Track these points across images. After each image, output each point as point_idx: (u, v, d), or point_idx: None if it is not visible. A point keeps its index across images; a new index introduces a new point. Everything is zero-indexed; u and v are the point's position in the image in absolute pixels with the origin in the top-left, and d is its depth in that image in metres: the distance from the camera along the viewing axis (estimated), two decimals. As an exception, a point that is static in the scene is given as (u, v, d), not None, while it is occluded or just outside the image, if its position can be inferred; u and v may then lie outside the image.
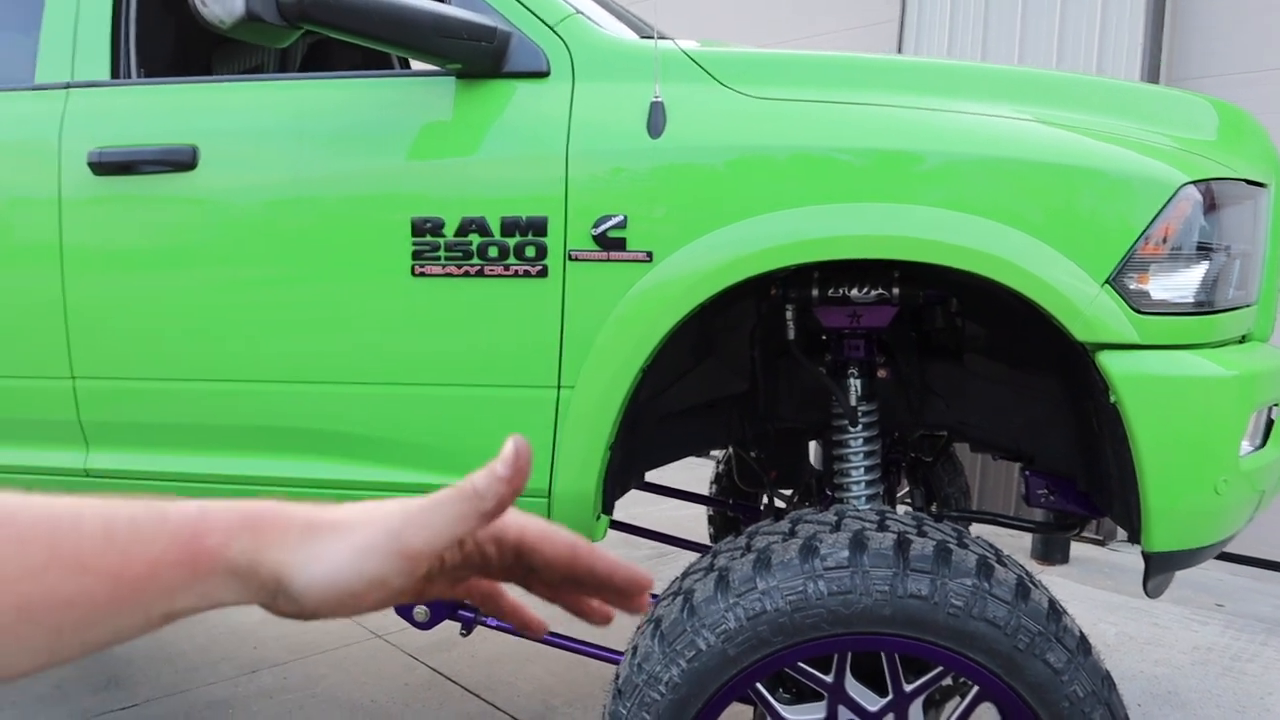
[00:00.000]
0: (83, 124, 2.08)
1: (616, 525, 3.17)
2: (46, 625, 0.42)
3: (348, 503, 0.53)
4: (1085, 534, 4.93)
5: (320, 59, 3.26)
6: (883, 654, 1.76)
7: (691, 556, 3.09)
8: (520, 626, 0.65)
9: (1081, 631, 1.70)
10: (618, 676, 1.79)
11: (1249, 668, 3.54)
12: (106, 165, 2.02)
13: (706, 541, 3.44)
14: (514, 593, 0.66)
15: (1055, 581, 4.39)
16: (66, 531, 0.43)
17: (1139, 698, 3.25)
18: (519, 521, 0.58)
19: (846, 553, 1.66)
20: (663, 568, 4.49)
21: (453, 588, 0.60)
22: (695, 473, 4.36)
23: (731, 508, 3.50)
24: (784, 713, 1.81)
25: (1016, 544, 4.93)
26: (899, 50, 5.58)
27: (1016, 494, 5.21)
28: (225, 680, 3.30)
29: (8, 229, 2.11)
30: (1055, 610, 1.67)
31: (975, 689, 1.72)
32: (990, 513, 2.74)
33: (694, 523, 4.26)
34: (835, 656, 1.77)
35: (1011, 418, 2.25)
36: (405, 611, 2.35)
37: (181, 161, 1.98)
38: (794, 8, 6.44)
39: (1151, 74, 4.79)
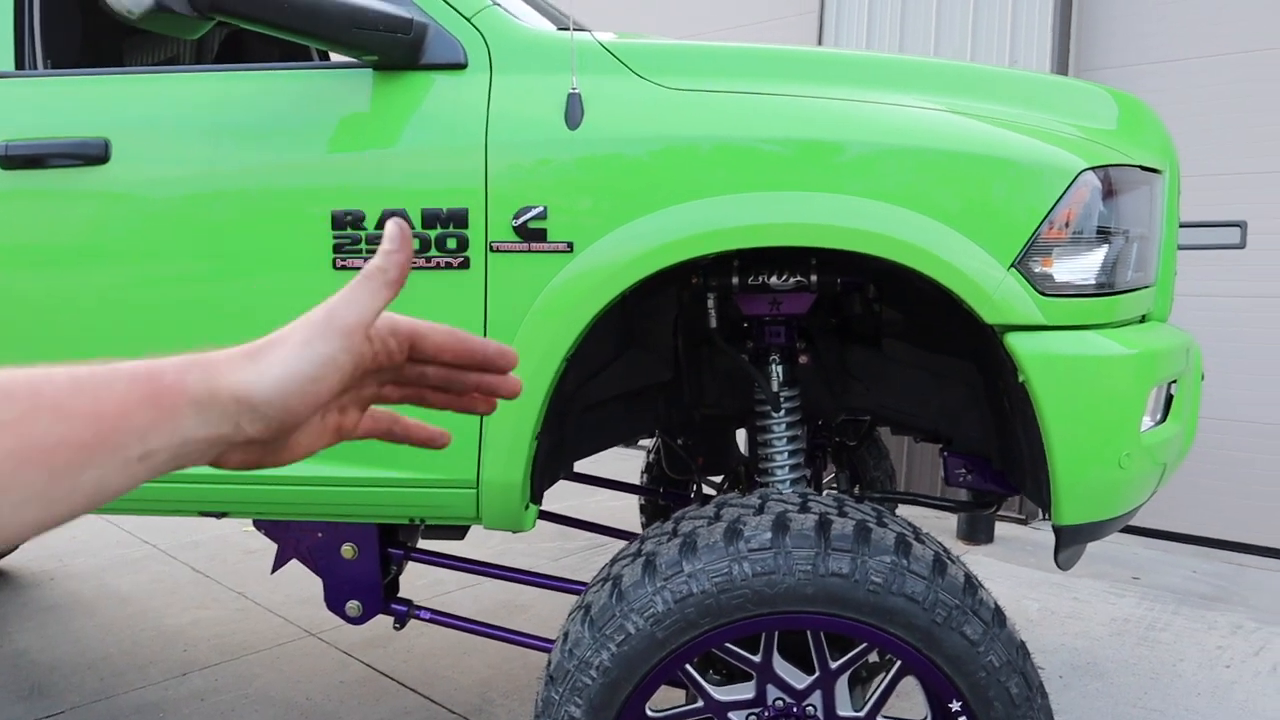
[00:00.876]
0: (-11, 117, 2.03)
1: (550, 516, 3.18)
2: (40, 468, 0.45)
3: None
4: (1008, 514, 5.07)
5: (236, 50, 3.21)
6: (808, 632, 1.80)
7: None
8: (425, 440, 0.70)
9: (997, 603, 1.76)
10: (550, 663, 1.81)
11: (1162, 636, 3.68)
12: (14, 159, 1.98)
13: (638, 531, 3.47)
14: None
15: (980, 560, 4.51)
16: (42, 383, 0.47)
17: (1060, 669, 3.36)
18: (407, 319, 0.65)
19: (769, 534, 1.70)
20: (598, 559, 4.52)
21: (379, 390, 0.66)
22: (628, 464, 4.39)
23: (662, 496, 3.54)
24: (714, 693, 1.85)
25: (942, 525, 5.05)
26: (819, 43, 5.66)
27: (942, 477, 5.33)
28: (154, 684, 3.25)
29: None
30: (971, 584, 1.73)
31: (898, 663, 1.78)
32: (911, 493, 2.81)
33: (628, 513, 4.30)
34: (762, 636, 1.81)
35: (929, 400, 2.31)
36: (338, 607, 2.35)
37: (93, 155, 1.94)
38: (712, 2, 6.49)
39: (1060, 65, 4.93)
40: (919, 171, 1.76)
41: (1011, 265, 1.73)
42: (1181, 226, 2.49)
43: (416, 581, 4.05)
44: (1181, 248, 2.39)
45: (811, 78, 1.88)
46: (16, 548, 4.43)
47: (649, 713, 1.81)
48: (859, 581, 1.66)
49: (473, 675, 3.29)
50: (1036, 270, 1.74)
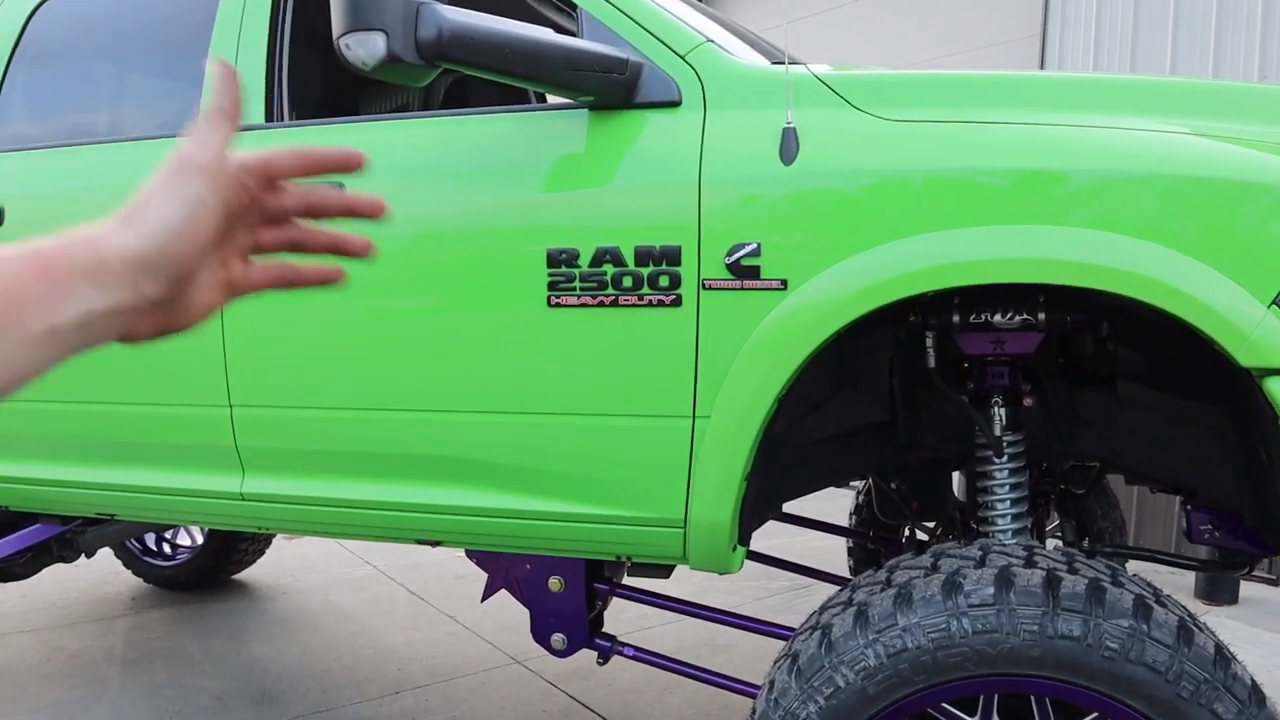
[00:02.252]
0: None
1: (755, 556, 3.13)
2: (9, 306, 0.50)
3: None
4: (1255, 573, 4.62)
5: (461, 96, 3.36)
6: (1032, 698, 1.68)
7: (830, 589, 3.02)
8: (320, 279, 0.74)
9: (1254, 680, 1.58)
10: (754, 711, 1.76)
11: None
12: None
13: (846, 574, 3.36)
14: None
15: (1222, 623, 4.12)
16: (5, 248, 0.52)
17: (1320, 751, 3.01)
18: (253, 153, 0.67)
19: (992, 589, 1.59)
20: (801, 600, 4.42)
21: (255, 237, 0.68)
22: (835, 503, 4.28)
23: (872, 540, 3.41)
24: (927, 754, 1.75)
25: (1179, 582, 4.67)
26: (1041, 66, 5.41)
27: (1178, 528, 4.92)
28: (370, 700, 3.39)
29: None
30: (1223, 656, 1.56)
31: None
32: (1148, 549, 2.59)
33: (833, 555, 4.18)
34: (981, 698, 1.70)
35: (1170, 448, 2.12)
36: (543, 639, 2.38)
37: (330, 199, 2.06)
38: (927, 28, 6.32)
39: (1322, 82, 4.51)
40: (1158, 199, 1.62)
41: (1273, 302, 1.57)
42: None
43: (620, 616, 4.07)
44: None
45: (1034, 103, 1.78)
46: (258, 557, 4.77)
47: (858, 770, 1.73)
48: (1092, 646, 1.53)
49: (672, 713, 3.26)
50: (1301, 308, 1.57)
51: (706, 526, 1.88)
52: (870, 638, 1.63)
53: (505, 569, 2.41)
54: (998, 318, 1.91)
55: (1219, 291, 1.58)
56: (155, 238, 0.58)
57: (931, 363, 2.01)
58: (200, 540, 4.64)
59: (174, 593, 4.64)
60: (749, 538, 1.98)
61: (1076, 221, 1.64)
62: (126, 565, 4.70)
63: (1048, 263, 1.62)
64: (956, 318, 1.92)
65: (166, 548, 4.67)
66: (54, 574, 4.59)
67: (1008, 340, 1.99)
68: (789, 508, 3.31)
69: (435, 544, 2.24)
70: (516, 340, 1.93)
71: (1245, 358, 1.58)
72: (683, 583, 4.54)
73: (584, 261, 1.86)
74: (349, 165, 0.69)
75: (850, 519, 3.60)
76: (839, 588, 1.94)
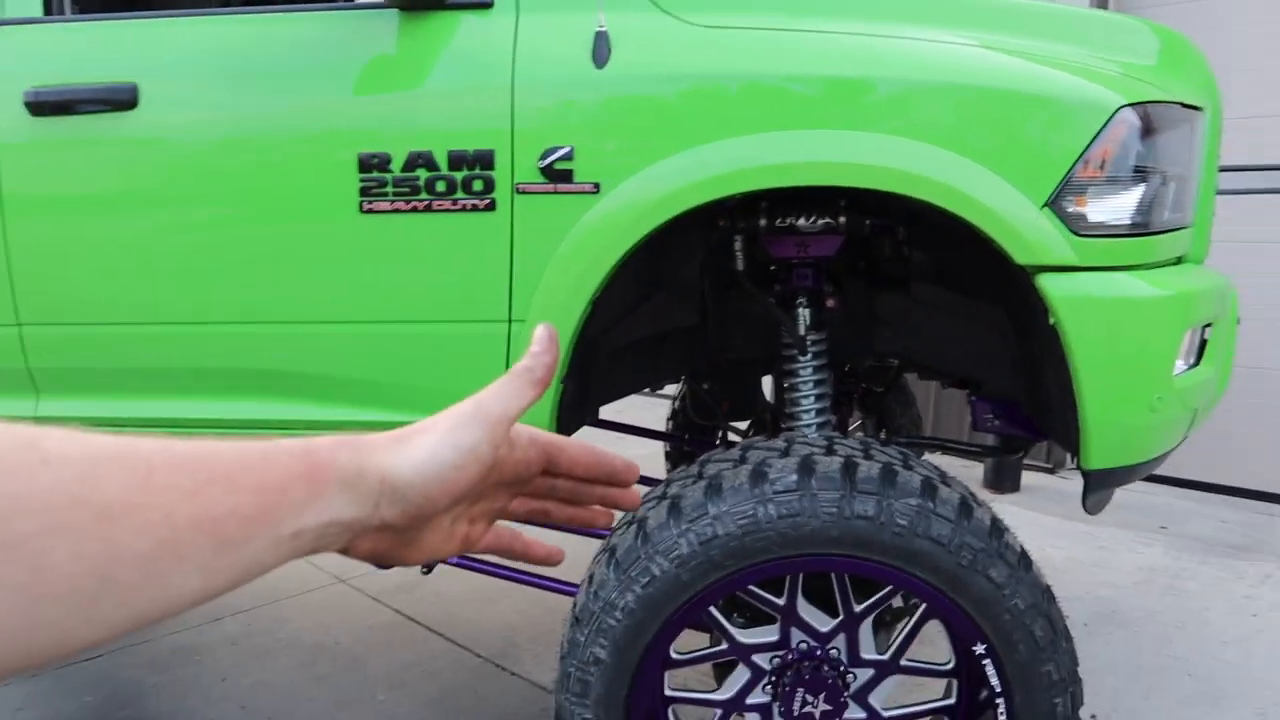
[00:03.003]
0: (16, 63, 2.03)
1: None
2: (210, 537, 0.46)
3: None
4: (1035, 463, 5.04)
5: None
6: (832, 575, 1.81)
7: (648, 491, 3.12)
8: (542, 558, 0.71)
9: (1022, 547, 1.75)
10: (575, 605, 1.83)
11: (1189, 586, 3.67)
12: (44, 105, 1.98)
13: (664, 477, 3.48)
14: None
15: (1006, 509, 4.49)
16: (213, 457, 0.47)
17: (1085, 618, 3.36)
18: (546, 433, 0.67)
19: (795, 477, 1.69)
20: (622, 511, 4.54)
21: (508, 503, 0.68)
22: (656, 413, 4.39)
23: (688, 443, 3.54)
24: (738, 636, 1.86)
25: (969, 474, 5.03)
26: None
27: (969, 423, 5.30)
28: (190, 628, 3.31)
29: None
30: (997, 527, 1.72)
31: (923, 606, 1.78)
32: (937, 438, 2.80)
33: (655, 460, 4.30)
34: (787, 579, 1.82)
35: (957, 344, 2.29)
36: (365, 551, 2.37)
37: (121, 100, 1.94)
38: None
39: (1100, 1, 4.81)
40: (950, 109, 1.72)
41: (1045, 205, 1.70)
42: (1225, 170, 2.43)
43: (444, 528, 4.09)
44: (1223, 192, 2.33)
45: (841, 13, 1.84)
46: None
47: (674, 655, 1.83)
48: (884, 524, 1.66)
49: (499, 620, 3.33)
50: (1070, 210, 1.71)
51: (526, 429, 1.91)
52: (683, 527, 1.71)
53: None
54: (802, 221, 1.99)
55: (999, 195, 1.71)
56: (418, 471, 0.56)
57: (740, 265, 2.09)
58: None
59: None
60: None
61: (877, 128, 1.72)
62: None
63: (845, 166, 1.71)
64: (763, 221, 2.00)
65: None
66: None
67: (811, 243, 2.09)
68: (607, 415, 3.39)
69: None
70: (329, 248, 1.89)
71: (1021, 256, 1.72)
72: (508, 495, 4.58)
73: (396, 166, 1.83)
74: (629, 477, 0.69)
75: (666, 424, 3.72)
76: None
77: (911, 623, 1.83)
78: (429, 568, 2.43)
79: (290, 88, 1.90)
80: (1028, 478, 4.96)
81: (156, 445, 0.45)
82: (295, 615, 3.39)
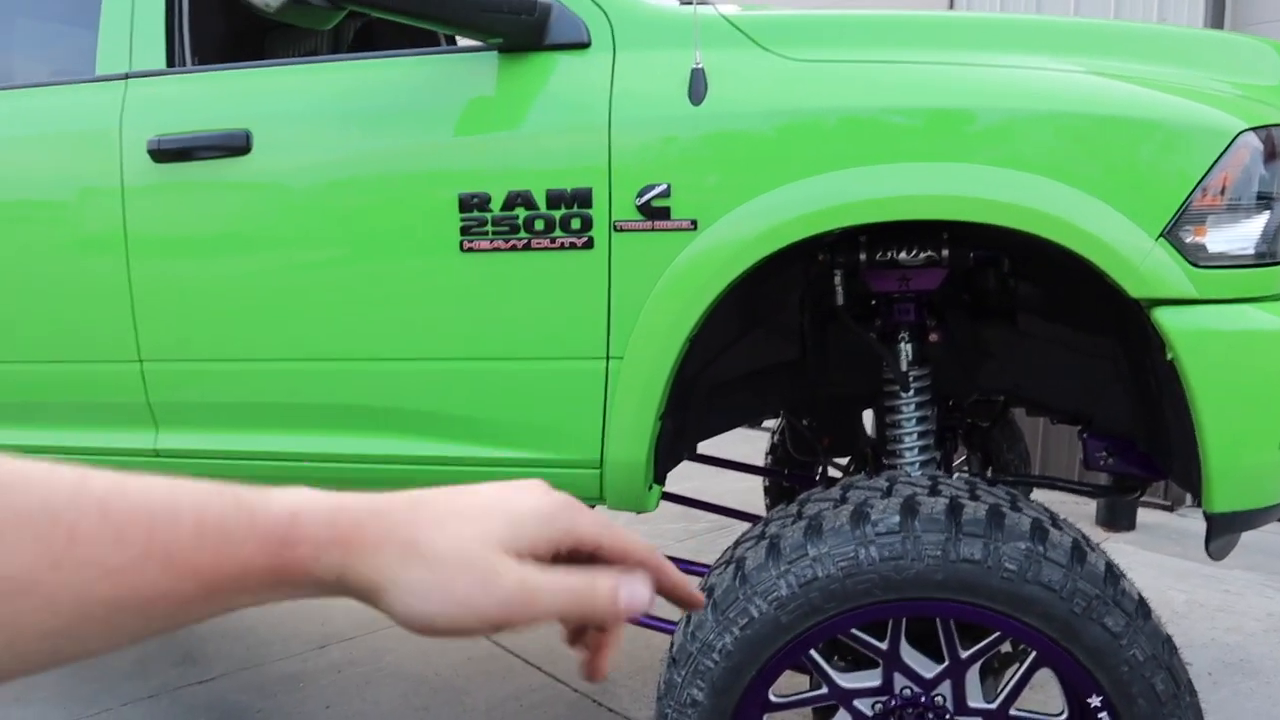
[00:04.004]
0: (142, 112, 2.13)
1: (674, 498, 3.18)
2: (136, 616, 0.42)
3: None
4: (1152, 500, 4.83)
5: (369, 40, 3.29)
6: (938, 620, 1.75)
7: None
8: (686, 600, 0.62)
9: (1140, 594, 1.67)
10: (673, 645, 1.81)
11: (1324, 633, 3.46)
12: (165, 152, 2.07)
13: (763, 514, 3.44)
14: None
15: (1122, 548, 4.32)
16: (163, 527, 0.43)
17: (1209, 666, 3.19)
18: (595, 533, 0.55)
19: (898, 518, 1.65)
20: (721, 541, 4.49)
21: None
22: (753, 446, 4.35)
23: (787, 478, 3.49)
24: (839, 680, 1.81)
25: (1081, 510, 4.86)
26: (950, 8, 5.47)
27: (1080, 460, 5.11)
28: (295, 655, 3.39)
29: (76, 218, 2.18)
30: (1112, 573, 1.65)
31: (1033, 654, 1.71)
32: (1047, 477, 2.70)
33: (752, 495, 4.25)
34: (890, 623, 1.77)
35: (1068, 379, 2.21)
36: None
37: (236, 146, 2.02)
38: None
39: (1215, 20, 4.64)
40: (1056, 137, 1.67)
41: (1160, 235, 1.63)
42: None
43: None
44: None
45: (939, 43, 1.81)
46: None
47: (772, 698, 1.79)
48: (992, 568, 1.60)
49: (598, 654, 3.31)
50: (1188, 240, 1.64)
51: (623, 466, 1.90)
52: (782, 568, 1.68)
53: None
54: (903, 255, 1.95)
55: (1111, 226, 1.64)
56: (409, 612, 0.48)
57: (840, 300, 2.06)
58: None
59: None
60: (664, 477, 2.02)
61: (980, 159, 1.68)
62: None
63: (946, 199, 1.67)
64: (863, 256, 1.97)
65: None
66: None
67: (913, 277, 2.04)
68: (706, 449, 3.36)
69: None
70: (431, 286, 1.92)
71: (1135, 289, 1.65)
72: (606, 528, 4.59)
73: (496, 205, 1.86)
74: (693, 604, 0.61)
75: (766, 459, 3.67)
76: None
77: (1021, 671, 1.76)
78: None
79: (393, 130, 1.95)
80: (1144, 515, 4.75)
81: (93, 502, 0.41)
82: (396, 645, 3.44)
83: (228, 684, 3.19)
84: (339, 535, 0.47)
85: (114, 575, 0.41)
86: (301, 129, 2.01)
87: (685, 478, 4.66)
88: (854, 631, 1.75)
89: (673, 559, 2.36)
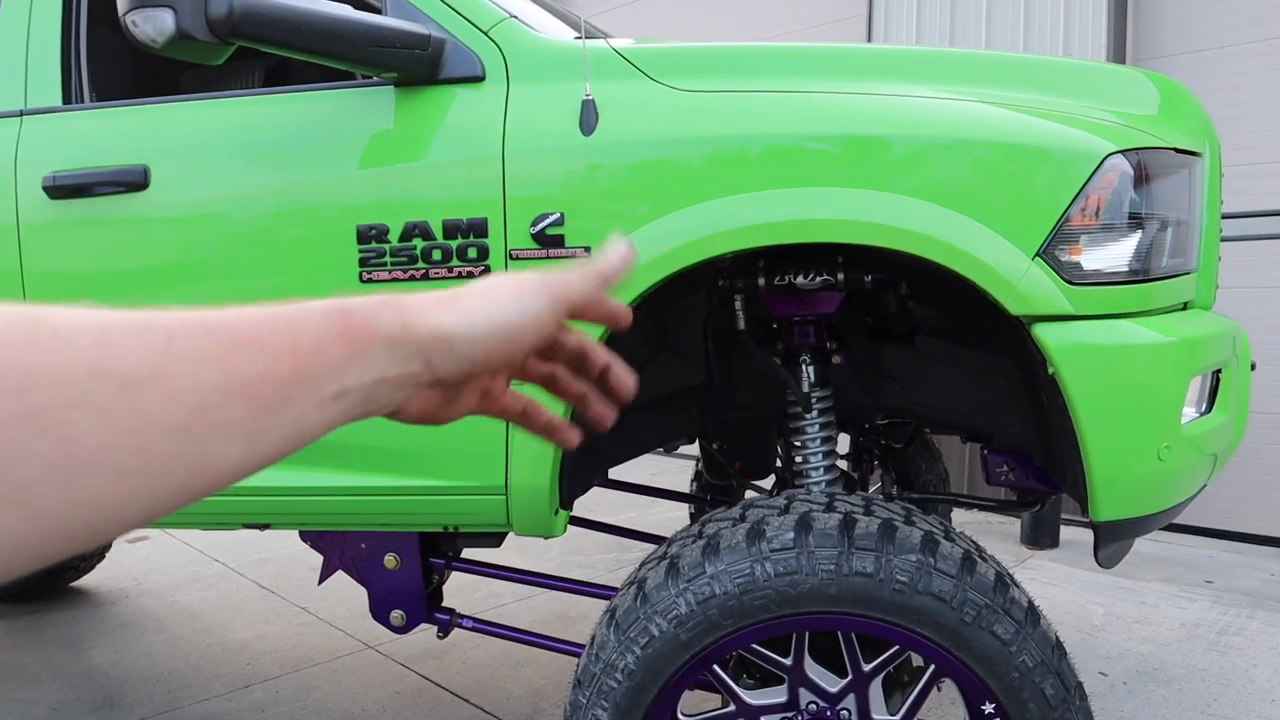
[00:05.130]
0: (37, 149, 2.11)
1: (603, 527, 3.19)
2: (245, 401, 0.44)
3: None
4: (1074, 518, 4.93)
5: (281, 76, 3.29)
6: (839, 634, 1.78)
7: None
8: (547, 427, 0.73)
9: (1030, 601, 1.71)
10: (578, 667, 1.82)
11: (1235, 641, 3.55)
12: (61, 189, 2.06)
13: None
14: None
15: (1045, 565, 4.40)
16: (238, 320, 0.46)
17: (1125, 675, 3.26)
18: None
19: (792, 534, 1.68)
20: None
21: (537, 363, 0.68)
22: (685, 475, 4.37)
23: (710, 504, 3.51)
24: (745, 697, 1.83)
25: (1006, 530, 4.95)
26: (868, 37, 5.62)
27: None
28: (218, 696, 3.32)
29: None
30: (1002, 582, 1.69)
31: (931, 666, 1.75)
32: (951, 494, 2.75)
33: (681, 523, 4.27)
34: (793, 639, 1.79)
35: (965, 397, 2.27)
36: (382, 617, 2.38)
37: (134, 182, 2.01)
38: (763, 7, 6.48)
39: (1117, 54, 4.82)
40: (936, 162, 1.73)
41: (1036, 254, 1.70)
42: (1230, 217, 2.40)
43: (473, 594, 4.08)
44: (1230, 239, 2.31)
45: (825, 73, 1.87)
46: (98, 562, 4.60)
47: (680, 716, 1.80)
48: (883, 581, 1.64)
49: (525, 685, 3.31)
50: (1064, 259, 1.71)
51: (527, 492, 1.92)
52: (681, 587, 1.70)
53: (340, 549, 2.40)
54: (800, 279, 2.00)
55: (988, 247, 1.70)
56: (480, 330, 0.56)
57: (741, 324, 2.10)
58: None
59: (5, 605, 4.42)
60: (571, 502, 2.03)
61: (862, 184, 1.73)
62: (-49, 579, 4.44)
63: (829, 223, 1.72)
64: (762, 280, 2.01)
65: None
66: None
67: (811, 301, 2.09)
68: (640, 479, 3.38)
69: (263, 527, 2.21)
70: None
71: (1014, 306, 1.71)
72: (538, 558, 4.58)
73: (394, 237, 1.87)
74: (617, 320, 0.68)
75: (691, 485, 3.70)
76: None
77: (922, 683, 1.79)
78: (444, 631, 2.43)
79: (293, 164, 1.96)
80: (1067, 533, 4.86)
81: (174, 315, 0.44)
82: (322, 683, 3.39)
83: (145, 729, 3.12)
84: (386, 300, 0.54)
85: (215, 361, 0.44)
86: (200, 164, 2.01)
87: (620, 509, 4.68)
88: (757, 648, 1.77)
89: (591, 584, 2.35)
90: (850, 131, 1.75)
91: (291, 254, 1.94)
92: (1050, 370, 1.72)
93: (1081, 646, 3.49)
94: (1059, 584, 4.14)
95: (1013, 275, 1.70)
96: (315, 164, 1.95)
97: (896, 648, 1.76)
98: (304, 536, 2.44)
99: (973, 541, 1.82)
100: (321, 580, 2.51)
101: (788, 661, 1.81)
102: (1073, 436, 1.75)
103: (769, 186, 1.74)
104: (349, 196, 1.91)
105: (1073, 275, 1.71)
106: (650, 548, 4.07)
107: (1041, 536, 4.66)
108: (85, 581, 4.65)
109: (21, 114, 2.15)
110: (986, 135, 1.74)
